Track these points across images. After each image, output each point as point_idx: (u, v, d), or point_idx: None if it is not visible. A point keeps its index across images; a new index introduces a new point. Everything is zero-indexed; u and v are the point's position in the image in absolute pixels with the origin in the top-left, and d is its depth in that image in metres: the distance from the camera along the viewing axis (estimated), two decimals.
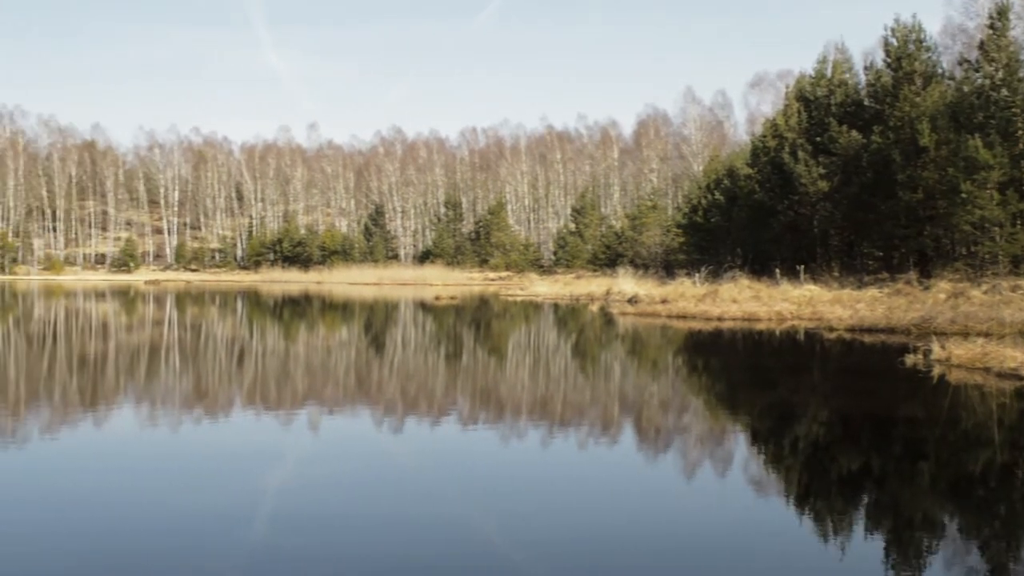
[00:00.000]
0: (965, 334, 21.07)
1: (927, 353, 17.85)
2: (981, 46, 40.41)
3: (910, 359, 17.71)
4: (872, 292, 34.56)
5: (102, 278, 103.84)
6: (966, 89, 40.03)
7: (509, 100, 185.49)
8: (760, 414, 13.85)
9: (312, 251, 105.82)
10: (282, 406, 14.54)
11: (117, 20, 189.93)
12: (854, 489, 9.23)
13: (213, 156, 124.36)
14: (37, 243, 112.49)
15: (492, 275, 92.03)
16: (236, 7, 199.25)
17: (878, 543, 7.35)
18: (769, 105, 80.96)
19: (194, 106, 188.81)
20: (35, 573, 6.50)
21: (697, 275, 45.51)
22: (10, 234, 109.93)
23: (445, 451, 10.92)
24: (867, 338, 23.93)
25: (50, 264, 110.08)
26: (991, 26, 39.92)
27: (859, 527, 7.78)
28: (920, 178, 39.19)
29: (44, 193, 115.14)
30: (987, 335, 20.38)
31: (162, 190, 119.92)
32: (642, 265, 65.40)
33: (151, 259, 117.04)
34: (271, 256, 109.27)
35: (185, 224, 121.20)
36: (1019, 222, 36.91)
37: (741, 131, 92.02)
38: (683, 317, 31.97)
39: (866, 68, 46.69)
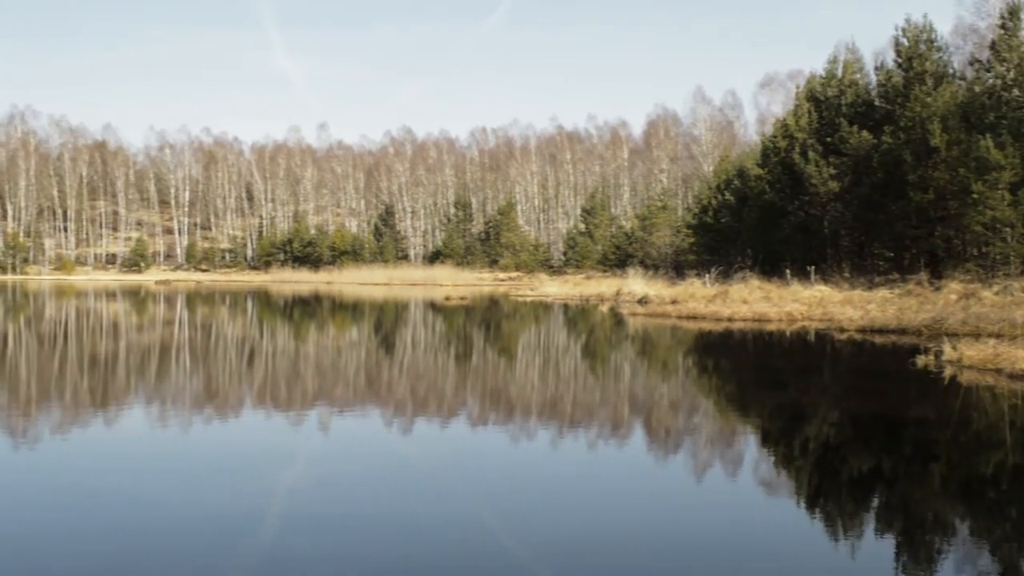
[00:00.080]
0: (976, 335, 20.97)
1: (938, 354, 17.79)
2: (992, 46, 40.27)
3: (921, 360, 17.66)
4: (883, 293, 34.44)
5: (113, 278, 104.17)
6: (977, 89, 39.89)
7: (519, 100, 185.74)
8: (770, 415, 13.82)
9: (322, 251, 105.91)
10: (292, 406, 14.57)
11: (128, 21, 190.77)
12: (865, 490, 9.20)
13: (223, 156, 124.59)
14: (48, 243, 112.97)
15: (502, 275, 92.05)
16: (246, 8, 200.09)
17: (889, 544, 7.33)
18: (779, 105, 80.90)
19: (205, 106, 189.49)
20: (40, 572, 6.51)
21: (707, 276, 45.43)
22: (22, 234, 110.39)
23: (455, 452, 10.92)
24: (878, 339, 23.86)
25: (61, 264, 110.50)
26: (1002, 26, 39.78)
27: (870, 528, 7.76)
28: (931, 178, 39.04)
29: (55, 193, 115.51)
30: (999, 336, 20.27)
31: (173, 190, 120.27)
32: (652, 266, 65.34)
33: (161, 259, 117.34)
34: (281, 256, 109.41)
35: (195, 224, 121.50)
36: None
37: (751, 131, 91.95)
38: (693, 318, 31.92)
39: (877, 68, 46.56)
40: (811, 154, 45.34)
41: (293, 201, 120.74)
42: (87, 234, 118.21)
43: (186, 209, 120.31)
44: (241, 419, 13.33)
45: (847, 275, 42.22)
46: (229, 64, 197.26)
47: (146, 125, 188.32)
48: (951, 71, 43.37)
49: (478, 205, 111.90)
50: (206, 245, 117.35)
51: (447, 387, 17.06)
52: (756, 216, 50.56)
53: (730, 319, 30.47)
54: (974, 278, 34.06)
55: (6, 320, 35.80)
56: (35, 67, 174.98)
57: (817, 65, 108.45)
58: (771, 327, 28.10)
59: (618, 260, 76.44)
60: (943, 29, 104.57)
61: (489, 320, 37.13)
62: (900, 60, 43.46)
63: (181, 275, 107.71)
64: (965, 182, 36.62)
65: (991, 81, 39.43)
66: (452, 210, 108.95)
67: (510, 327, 33.63)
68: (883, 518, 8.13)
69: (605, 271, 75.98)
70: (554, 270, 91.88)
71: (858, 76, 48.28)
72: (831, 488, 9.32)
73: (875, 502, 8.72)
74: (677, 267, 63.69)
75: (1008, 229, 36.38)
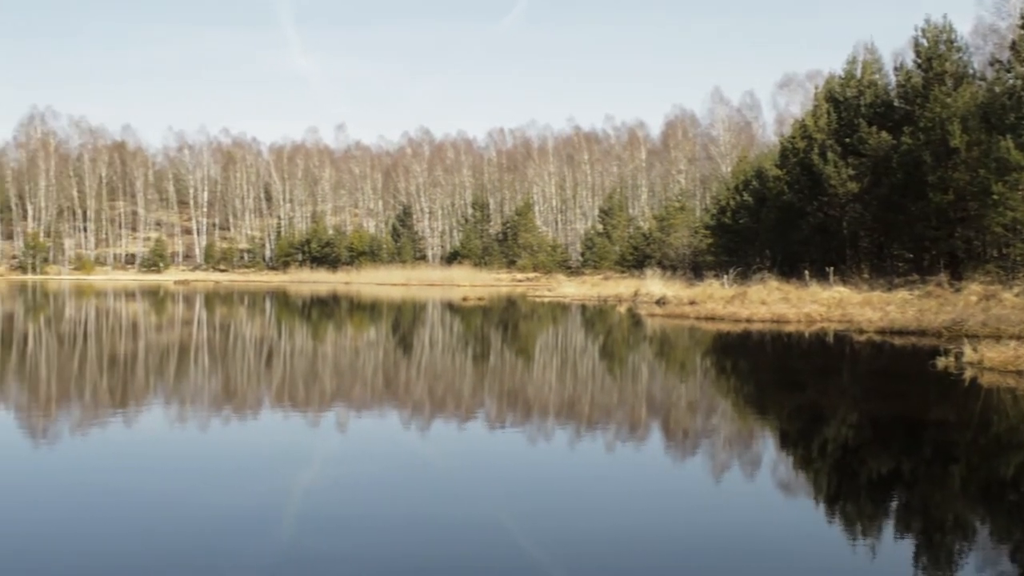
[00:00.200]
0: (997, 337, 20.83)
1: (958, 356, 17.68)
2: (1013, 46, 39.96)
3: (941, 362, 17.55)
4: (902, 294, 34.26)
5: (132, 278, 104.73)
6: (997, 90, 39.60)
7: (536, 101, 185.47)
8: (789, 416, 13.77)
9: (340, 252, 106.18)
10: (310, 406, 14.60)
11: (147, 21, 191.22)
12: (884, 493, 9.15)
13: (242, 157, 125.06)
14: (68, 243, 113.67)
15: (520, 276, 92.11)
16: (264, 8, 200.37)
17: (908, 547, 7.29)
18: (798, 106, 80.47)
19: (223, 107, 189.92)
20: (57, 571, 6.54)
21: (725, 277, 45.33)
22: (41, 234, 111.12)
23: (472, 452, 10.93)
24: (897, 341, 23.74)
25: (80, 264, 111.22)
26: (1023, 26, 39.51)
27: (889, 531, 7.73)
28: (951, 179, 38.81)
29: (75, 193, 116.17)
30: (1019, 338, 20.13)
31: (191, 190, 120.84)
32: (670, 267, 65.20)
33: (180, 259, 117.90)
34: (299, 256, 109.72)
35: (214, 224, 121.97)
36: None
37: (770, 132, 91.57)
38: (711, 319, 31.84)
39: (896, 69, 46.29)
40: (830, 155, 45.14)
41: (311, 201, 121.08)
42: (106, 234, 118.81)
43: (205, 209, 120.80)
44: (259, 419, 13.38)
45: (866, 276, 42.01)
46: (247, 65, 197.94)
47: (165, 126, 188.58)
48: (971, 71, 43.10)
49: (496, 206, 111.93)
50: (224, 245, 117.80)
51: (464, 388, 17.07)
52: (775, 217, 50.39)
53: (748, 320, 30.39)
54: (994, 279, 33.83)
55: (27, 320, 36.05)
56: (53, 67, 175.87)
57: (836, 65, 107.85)
58: (790, 328, 28.00)
59: (636, 261, 76.33)
60: (963, 29, 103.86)
61: (507, 321, 37.13)
62: (920, 60, 43.22)
63: (200, 275, 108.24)
64: (985, 183, 36.37)
65: (1011, 81, 39.13)
66: (470, 210, 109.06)
67: (528, 328, 33.63)
68: (902, 521, 8.09)
69: (623, 272, 75.92)
70: (572, 271, 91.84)
71: (877, 76, 48.04)
72: (850, 490, 9.27)
73: (894, 504, 8.66)
74: (695, 268, 63.56)
75: None
